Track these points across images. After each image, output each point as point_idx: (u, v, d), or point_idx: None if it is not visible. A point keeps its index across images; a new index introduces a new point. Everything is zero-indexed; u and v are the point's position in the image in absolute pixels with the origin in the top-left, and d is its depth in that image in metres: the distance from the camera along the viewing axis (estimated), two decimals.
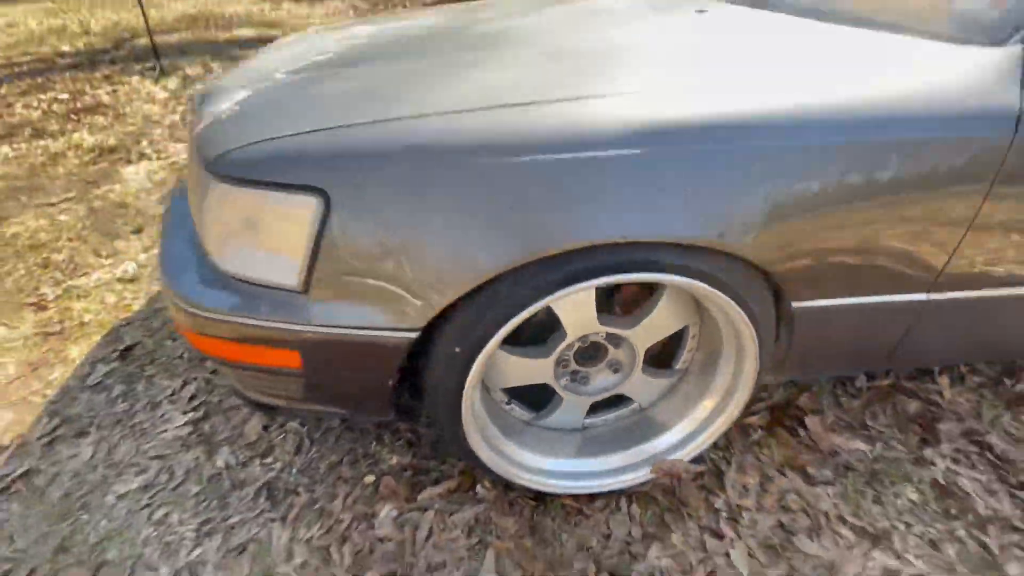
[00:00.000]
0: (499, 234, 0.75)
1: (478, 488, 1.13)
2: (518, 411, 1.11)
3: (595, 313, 0.91)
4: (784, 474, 1.18)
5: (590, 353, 1.01)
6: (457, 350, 0.84)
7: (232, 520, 1.08)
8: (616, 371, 1.04)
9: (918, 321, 0.97)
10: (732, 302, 0.85)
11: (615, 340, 0.99)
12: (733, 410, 1.02)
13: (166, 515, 1.09)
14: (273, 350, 0.88)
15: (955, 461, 1.21)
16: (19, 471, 1.18)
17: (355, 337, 0.84)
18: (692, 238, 0.77)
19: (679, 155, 0.76)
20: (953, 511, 1.11)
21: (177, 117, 3.16)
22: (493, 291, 0.79)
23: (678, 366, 1.09)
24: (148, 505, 1.11)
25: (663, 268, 0.79)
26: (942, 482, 1.16)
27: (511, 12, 1.37)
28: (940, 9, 0.97)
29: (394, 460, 1.20)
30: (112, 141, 2.83)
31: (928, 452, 1.22)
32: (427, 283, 0.79)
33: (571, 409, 1.08)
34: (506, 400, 1.10)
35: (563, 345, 0.96)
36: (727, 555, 1.03)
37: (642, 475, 1.07)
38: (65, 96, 3.40)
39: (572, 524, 1.07)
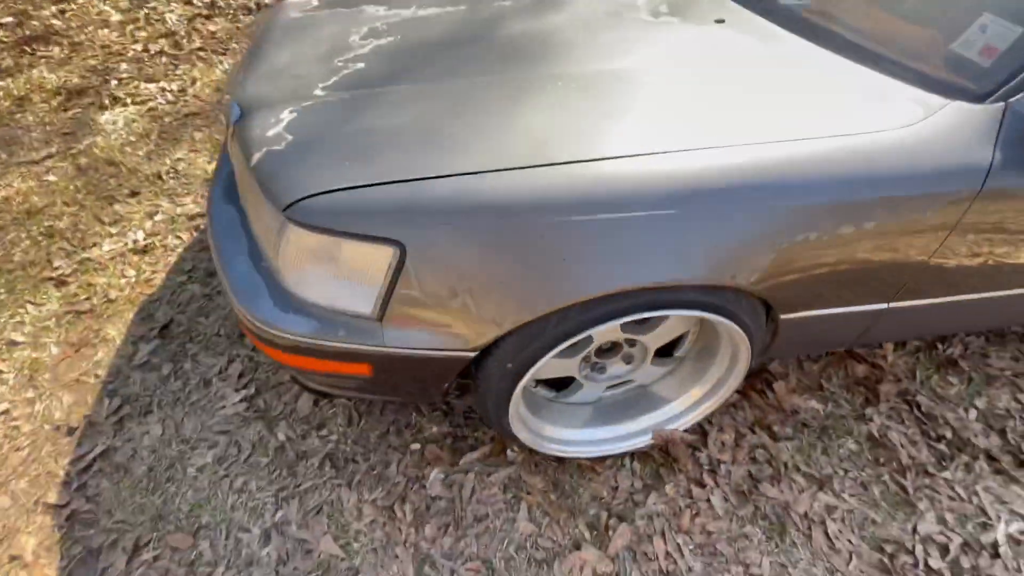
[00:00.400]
0: (553, 281, 0.89)
1: (508, 452, 1.35)
2: (543, 392, 1.31)
3: (620, 327, 1.08)
4: (754, 431, 1.45)
5: (608, 349, 1.19)
6: (509, 366, 1.00)
7: (304, 486, 1.28)
8: (628, 362, 1.23)
9: (878, 321, 1.18)
10: (734, 324, 1.03)
11: (630, 340, 1.17)
12: (724, 393, 1.25)
13: (245, 483, 1.28)
14: (346, 363, 1.02)
15: (889, 417, 1.50)
16: (98, 450, 1.33)
17: (421, 355, 0.98)
18: (711, 280, 0.93)
19: (704, 214, 0.89)
20: (881, 459, 1.41)
21: (139, 47, 2.93)
22: (544, 323, 0.94)
23: (678, 354, 1.29)
24: (226, 476, 1.30)
25: (684, 305, 0.95)
26: (876, 435, 1.46)
27: (527, 5, 1.36)
28: (933, 56, 1.07)
29: (434, 429, 1.40)
30: (76, 80, 2.63)
31: (869, 410, 1.51)
32: (488, 317, 0.93)
33: (589, 391, 1.28)
34: (533, 384, 1.29)
35: (590, 348, 1.13)
36: (708, 500, 1.30)
37: (644, 441, 1.31)
38: (9, 19, 3.04)
39: (587, 479, 1.32)
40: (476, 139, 0.95)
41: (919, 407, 1.52)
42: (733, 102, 1.01)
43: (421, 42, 1.23)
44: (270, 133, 1.03)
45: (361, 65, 1.16)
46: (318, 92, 1.10)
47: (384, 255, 0.89)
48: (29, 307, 1.66)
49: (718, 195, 0.88)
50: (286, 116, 1.06)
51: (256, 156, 1.00)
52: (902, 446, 1.44)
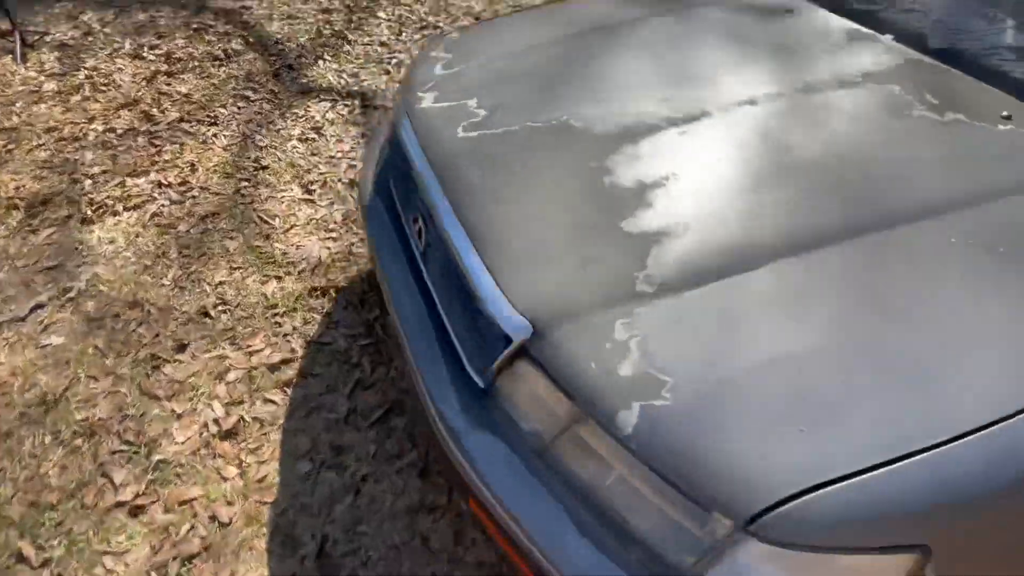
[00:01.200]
0: None
1: None
2: None
3: None
4: None
5: None
6: None
7: None
8: None
9: None
10: None
11: None
12: None
13: None
14: None
15: None
16: None
17: None
18: None
19: None
20: None
21: (100, 126, 2.30)
22: None
23: None
24: None
25: None
26: None
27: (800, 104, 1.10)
28: None
29: None
30: (34, 185, 2.00)
31: None
32: None
33: None
34: None
35: None
36: None
37: None
38: None
39: None
40: (960, 365, 0.69)
41: None
42: None
43: (713, 176, 0.93)
44: (625, 373, 0.70)
45: (665, 223, 0.85)
46: (642, 287, 0.78)
47: (898, 565, 0.62)
48: (107, 561, 1.18)
49: None
50: (622, 336, 0.73)
51: (625, 417, 0.68)
52: None
